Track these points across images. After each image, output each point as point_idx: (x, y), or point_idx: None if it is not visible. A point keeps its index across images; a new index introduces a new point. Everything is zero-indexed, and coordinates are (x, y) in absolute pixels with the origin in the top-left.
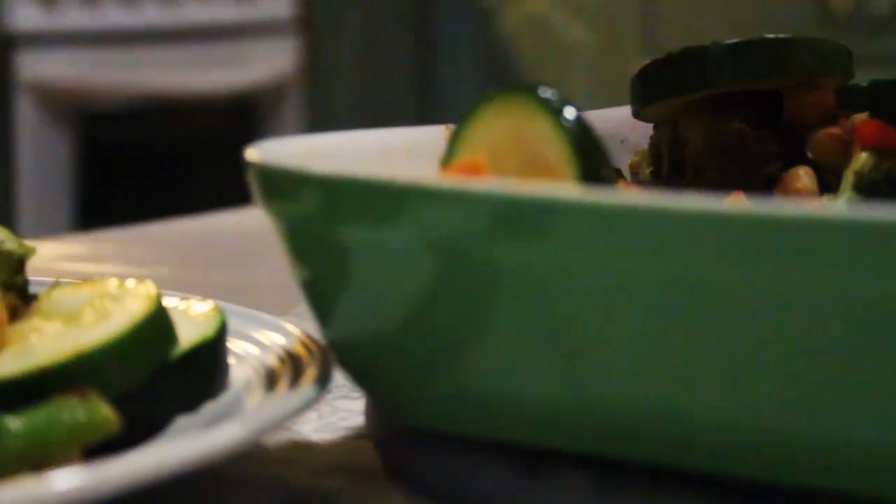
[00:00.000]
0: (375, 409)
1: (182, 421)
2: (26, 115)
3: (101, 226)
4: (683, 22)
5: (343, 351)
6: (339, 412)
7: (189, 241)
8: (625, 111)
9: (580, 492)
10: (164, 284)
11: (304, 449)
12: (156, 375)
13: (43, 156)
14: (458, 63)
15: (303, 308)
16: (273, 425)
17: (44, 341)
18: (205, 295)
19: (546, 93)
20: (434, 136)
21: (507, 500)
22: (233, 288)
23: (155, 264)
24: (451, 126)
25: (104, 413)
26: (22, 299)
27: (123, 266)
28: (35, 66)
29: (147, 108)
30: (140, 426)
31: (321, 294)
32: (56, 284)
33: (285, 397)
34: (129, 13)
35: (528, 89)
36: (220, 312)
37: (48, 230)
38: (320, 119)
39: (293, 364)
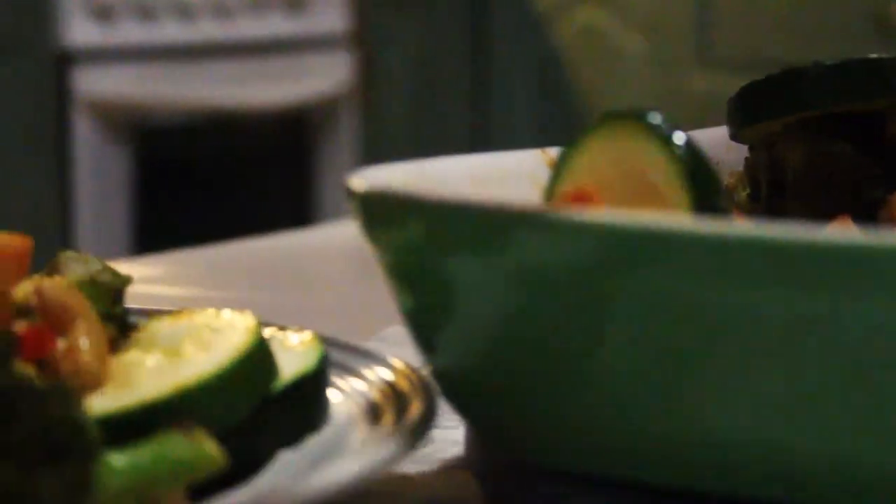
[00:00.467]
0: (478, 440)
1: (285, 455)
2: (84, 131)
3: (158, 239)
4: (738, 32)
5: (447, 381)
6: (435, 442)
7: (259, 262)
8: (718, 132)
9: None
10: (242, 308)
11: (404, 482)
12: (258, 409)
13: (101, 172)
14: (512, 75)
15: (386, 333)
16: (387, 463)
17: (145, 375)
18: (286, 319)
19: (655, 119)
20: (532, 160)
21: None
22: (309, 311)
23: (228, 287)
24: (548, 150)
25: (209, 450)
26: (120, 330)
27: (196, 289)
28: (91, 82)
29: (202, 122)
30: (242, 461)
31: (426, 323)
32: (153, 315)
33: (395, 434)
34: (185, 28)
35: (635, 115)
36: (320, 343)
37: (107, 245)
38: (375, 133)
39: (396, 397)
